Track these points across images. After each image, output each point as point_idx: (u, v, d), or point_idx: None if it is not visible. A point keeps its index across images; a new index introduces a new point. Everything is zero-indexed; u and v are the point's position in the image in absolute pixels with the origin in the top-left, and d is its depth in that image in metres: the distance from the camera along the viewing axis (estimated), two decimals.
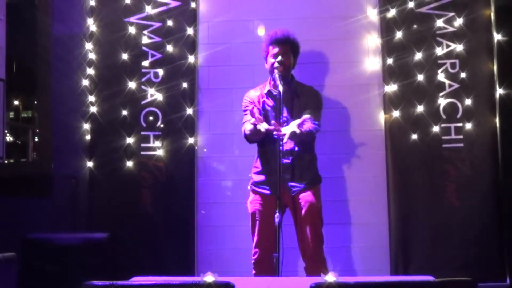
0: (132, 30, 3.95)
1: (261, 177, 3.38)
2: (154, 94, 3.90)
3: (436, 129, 3.71)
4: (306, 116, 3.23)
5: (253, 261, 3.38)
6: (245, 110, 3.43)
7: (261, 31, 3.94)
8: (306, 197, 3.31)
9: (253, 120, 3.17)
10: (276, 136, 3.11)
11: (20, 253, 3.25)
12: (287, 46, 3.38)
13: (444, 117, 3.72)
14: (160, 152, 3.86)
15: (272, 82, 3.38)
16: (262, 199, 3.36)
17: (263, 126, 3.19)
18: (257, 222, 3.36)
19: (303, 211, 3.30)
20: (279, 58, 3.34)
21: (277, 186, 3.12)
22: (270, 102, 3.40)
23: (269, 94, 3.42)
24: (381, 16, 3.85)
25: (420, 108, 3.72)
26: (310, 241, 3.30)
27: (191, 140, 3.81)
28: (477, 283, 1.76)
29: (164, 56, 3.93)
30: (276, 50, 3.36)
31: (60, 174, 4.01)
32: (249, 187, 3.45)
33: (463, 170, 3.67)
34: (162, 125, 3.85)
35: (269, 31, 3.49)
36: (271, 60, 3.36)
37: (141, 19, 3.96)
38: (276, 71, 3.29)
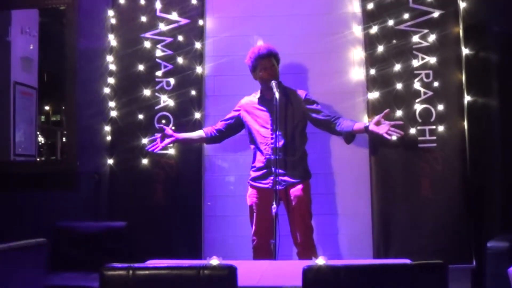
0: (147, 44, 3.96)
1: (257, 173, 3.40)
2: (166, 101, 3.92)
3: (412, 131, 3.72)
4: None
5: (252, 247, 3.40)
6: (230, 113, 3.56)
7: (263, 44, 3.95)
8: (296, 192, 3.32)
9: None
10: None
11: (50, 239, 3.27)
12: (272, 58, 3.41)
13: (419, 120, 3.73)
14: (171, 151, 3.87)
15: (262, 90, 3.42)
16: (258, 193, 3.38)
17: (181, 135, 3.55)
18: (255, 213, 3.37)
19: (293, 204, 3.32)
20: (269, 70, 3.36)
21: (274, 181, 3.15)
22: (261, 106, 3.43)
23: (261, 99, 3.44)
24: (365, 32, 3.86)
25: (399, 113, 3.73)
26: (300, 230, 3.32)
27: None
28: (447, 266, 1.78)
29: (175, 67, 3.94)
30: (265, 63, 3.37)
31: (85, 170, 4.01)
32: (248, 183, 3.47)
33: (436, 167, 3.66)
34: (173, 127, 3.84)
35: (253, 48, 3.49)
36: (260, 73, 3.38)
37: (155, 35, 3.97)
38: (272, 81, 3.31)
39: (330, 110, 3.55)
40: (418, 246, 3.59)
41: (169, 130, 3.53)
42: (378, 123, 3.34)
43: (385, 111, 3.38)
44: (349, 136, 3.40)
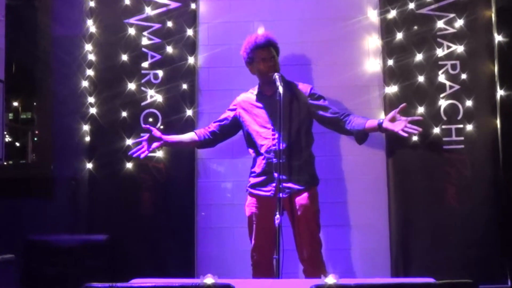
0: (131, 31, 3.95)
1: (257, 179, 3.37)
2: (154, 96, 3.91)
3: (436, 130, 3.71)
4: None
5: (251, 264, 3.39)
6: (224, 113, 3.53)
7: (261, 32, 3.95)
8: (301, 200, 3.29)
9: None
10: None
11: (21, 254, 3.26)
12: (272, 48, 3.37)
13: (444, 118, 3.72)
14: (160, 154, 3.86)
15: (261, 85, 3.40)
16: (258, 201, 3.35)
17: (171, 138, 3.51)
18: (254, 225, 3.35)
19: (298, 215, 3.29)
20: (271, 62, 3.34)
21: (276, 188, 3.13)
22: (261, 104, 3.41)
23: (260, 96, 3.42)
24: (382, 17, 3.85)
25: (420, 110, 3.72)
26: (306, 244, 3.29)
27: None
28: (478, 285, 1.76)
29: (164, 58, 3.93)
30: (264, 54, 3.34)
31: (60, 175, 4.01)
32: (246, 190, 3.44)
33: (464, 172, 3.66)
34: (162, 127, 3.84)
35: (248, 38, 3.46)
36: (259, 65, 3.35)
37: (140, 20, 3.96)
38: (275, 74, 3.28)
39: (339, 107, 3.53)
40: (443, 263, 3.59)
41: (156, 131, 3.47)
42: (393, 120, 3.31)
43: (402, 105, 3.35)
44: (361, 135, 3.37)
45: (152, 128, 3.47)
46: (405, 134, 3.26)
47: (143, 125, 3.65)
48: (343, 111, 3.43)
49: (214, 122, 3.56)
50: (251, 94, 3.49)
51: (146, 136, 3.45)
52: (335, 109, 3.42)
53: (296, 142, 3.34)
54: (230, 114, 3.52)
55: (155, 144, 3.46)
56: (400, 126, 3.25)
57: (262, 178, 3.35)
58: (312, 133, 3.46)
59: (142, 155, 3.46)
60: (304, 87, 3.45)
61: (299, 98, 3.39)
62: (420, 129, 3.31)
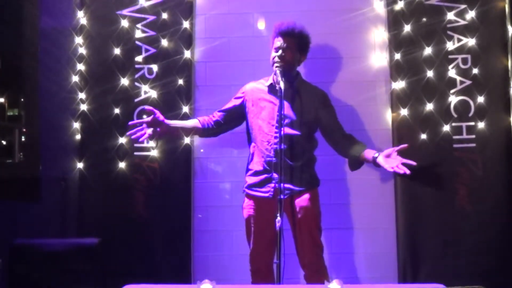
0: (124, 23, 3.94)
1: (255, 179, 3.36)
2: (148, 91, 3.90)
3: (446, 128, 3.71)
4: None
5: (250, 269, 3.37)
6: (230, 102, 3.52)
7: (261, 25, 3.95)
8: (302, 202, 3.29)
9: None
10: None
11: (7, 259, 3.24)
12: (291, 39, 3.35)
13: (455, 115, 3.72)
14: (154, 153, 3.85)
15: (275, 77, 3.39)
16: (255, 203, 3.34)
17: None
18: (252, 228, 3.34)
19: (298, 217, 3.28)
20: (280, 52, 3.33)
21: (275, 189, 3.13)
22: (270, 97, 3.39)
23: (270, 88, 3.41)
24: (388, 8, 3.85)
25: (429, 106, 3.72)
26: (307, 249, 3.28)
27: (187, 140, 3.81)
28: None
29: (159, 51, 3.92)
30: (278, 43, 3.34)
31: (49, 176, 4.00)
32: (243, 191, 3.43)
33: (476, 172, 3.66)
34: None
35: (277, 22, 3.46)
36: (272, 52, 3.35)
37: (134, 12, 3.95)
38: (275, 65, 3.28)
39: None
40: (454, 268, 3.59)
41: (160, 115, 3.38)
42: (389, 156, 3.30)
43: (402, 145, 3.32)
44: (354, 162, 3.39)
45: (155, 110, 3.40)
46: (391, 170, 3.22)
47: (146, 108, 3.50)
48: (348, 131, 3.42)
49: (219, 111, 3.54)
50: (261, 85, 3.46)
51: (148, 118, 3.40)
52: (340, 125, 3.42)
53: (298, 143, 3.33)
54: (237, 102, 3.51)
55: (155, 131, 3.37)
56: (391, 164, 3.23)
57: (260, 178, 3.33)
58: (315, 137, 3.45)
59: (141, 138, 3.38)
60: (318, 92, 3.45)
61: (308, 100, 3.38)
62: (408, 172, 3.19)
